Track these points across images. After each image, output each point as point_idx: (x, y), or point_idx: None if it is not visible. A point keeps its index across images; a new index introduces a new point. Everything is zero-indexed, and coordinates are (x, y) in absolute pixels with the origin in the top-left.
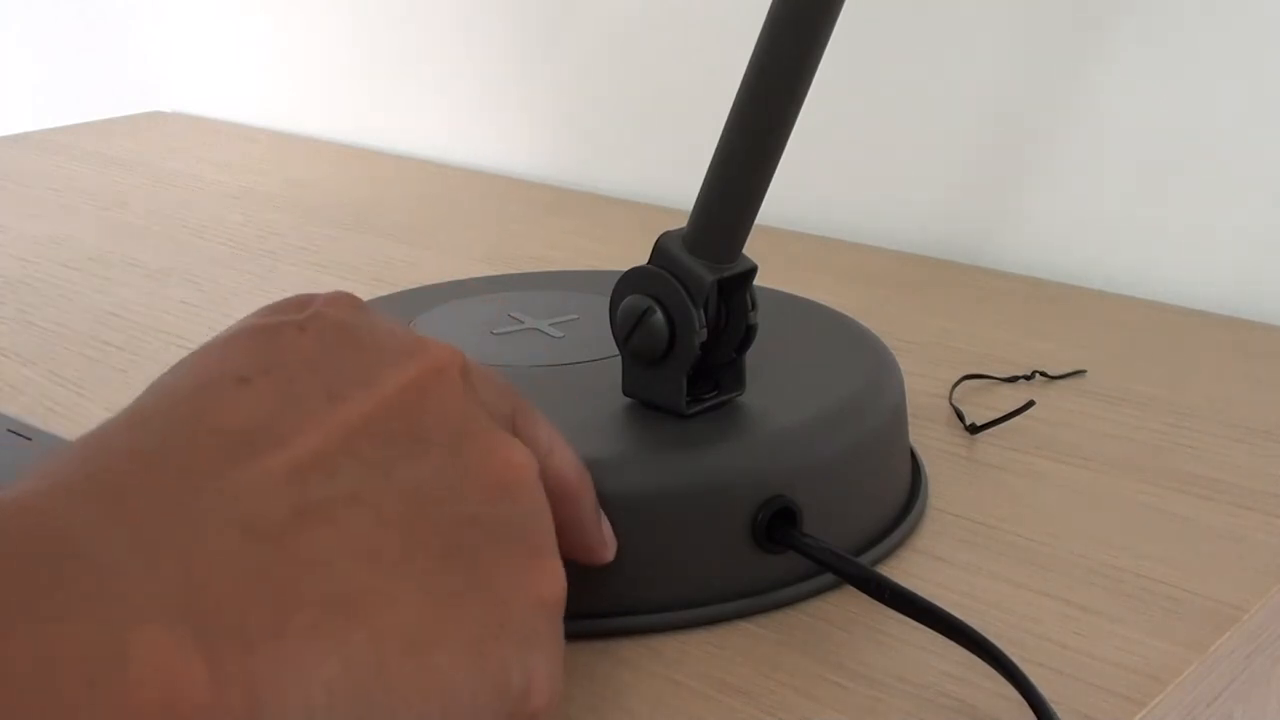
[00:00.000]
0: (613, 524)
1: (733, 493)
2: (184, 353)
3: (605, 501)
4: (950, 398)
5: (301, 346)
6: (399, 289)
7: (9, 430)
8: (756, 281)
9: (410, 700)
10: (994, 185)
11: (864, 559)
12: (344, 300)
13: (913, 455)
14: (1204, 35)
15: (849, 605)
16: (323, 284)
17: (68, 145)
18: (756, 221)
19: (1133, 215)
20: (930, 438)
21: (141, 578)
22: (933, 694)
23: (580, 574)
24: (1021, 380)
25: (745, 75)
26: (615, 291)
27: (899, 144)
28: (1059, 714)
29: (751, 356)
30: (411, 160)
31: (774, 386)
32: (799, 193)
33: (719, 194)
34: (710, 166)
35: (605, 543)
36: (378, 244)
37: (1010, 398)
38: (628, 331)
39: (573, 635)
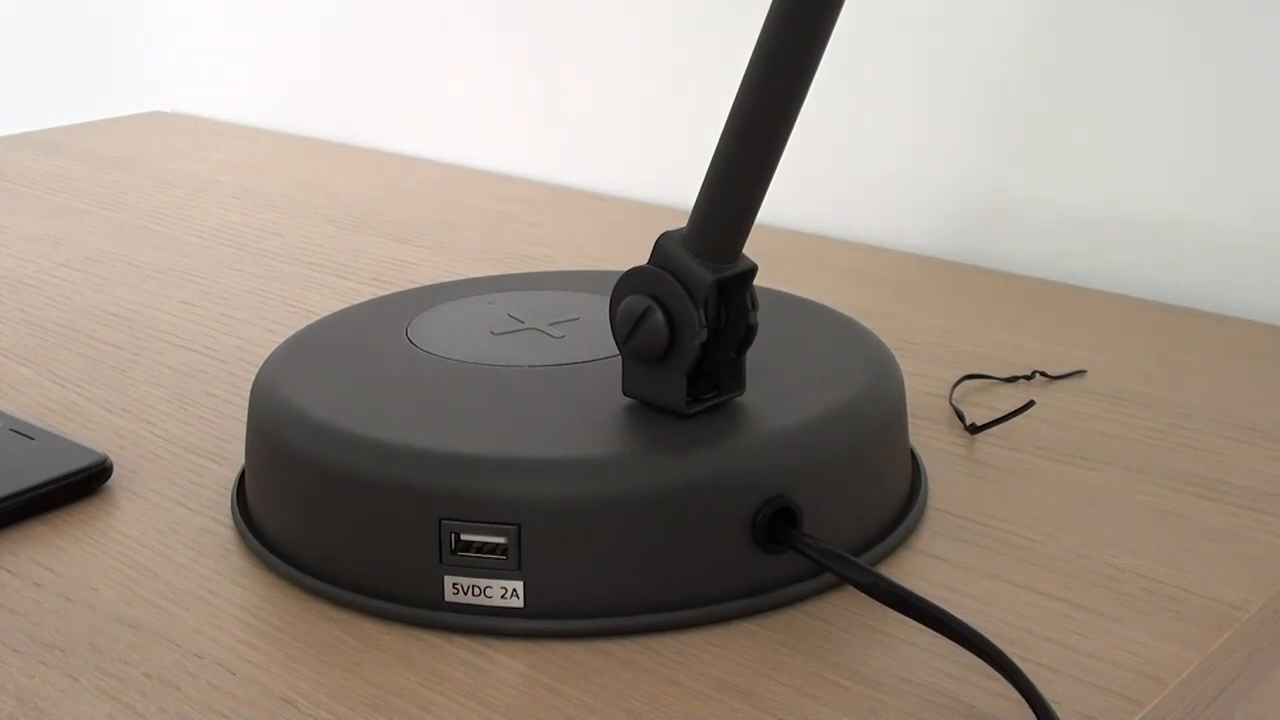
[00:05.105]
0: (613, 524)
1: (733, 493)
2: (183, 352)
3: (606, 502)
4: (950, 398)
5: None
6: (398, 289)
7: (10, 430)
8: (757, 281)
9: None
10: (994, 186)
11: (864, 559)
12: None
13: (913, 455)
14: (1204, 36)
15: (849, 605)
16: (322, 283)
17: (68, 145)
18: (757, 221)
19: (1133, 215)
20: (930, 438)
21: None
22: (933, 694)
23: (580, 574)
24: (1021, 380)
25: (745, 75)
26: (615, 291)
27: (899, 144)
28: (1059, 714)
29: (751, 356)
30: (411, 160)
31: (774, 386)
32: (799, 193)
33: (719, 194)
34: (710, 166)
35: None
36: (377, 244)
37: (1010, 398)
38: (628, 331)
39: (573, 635)
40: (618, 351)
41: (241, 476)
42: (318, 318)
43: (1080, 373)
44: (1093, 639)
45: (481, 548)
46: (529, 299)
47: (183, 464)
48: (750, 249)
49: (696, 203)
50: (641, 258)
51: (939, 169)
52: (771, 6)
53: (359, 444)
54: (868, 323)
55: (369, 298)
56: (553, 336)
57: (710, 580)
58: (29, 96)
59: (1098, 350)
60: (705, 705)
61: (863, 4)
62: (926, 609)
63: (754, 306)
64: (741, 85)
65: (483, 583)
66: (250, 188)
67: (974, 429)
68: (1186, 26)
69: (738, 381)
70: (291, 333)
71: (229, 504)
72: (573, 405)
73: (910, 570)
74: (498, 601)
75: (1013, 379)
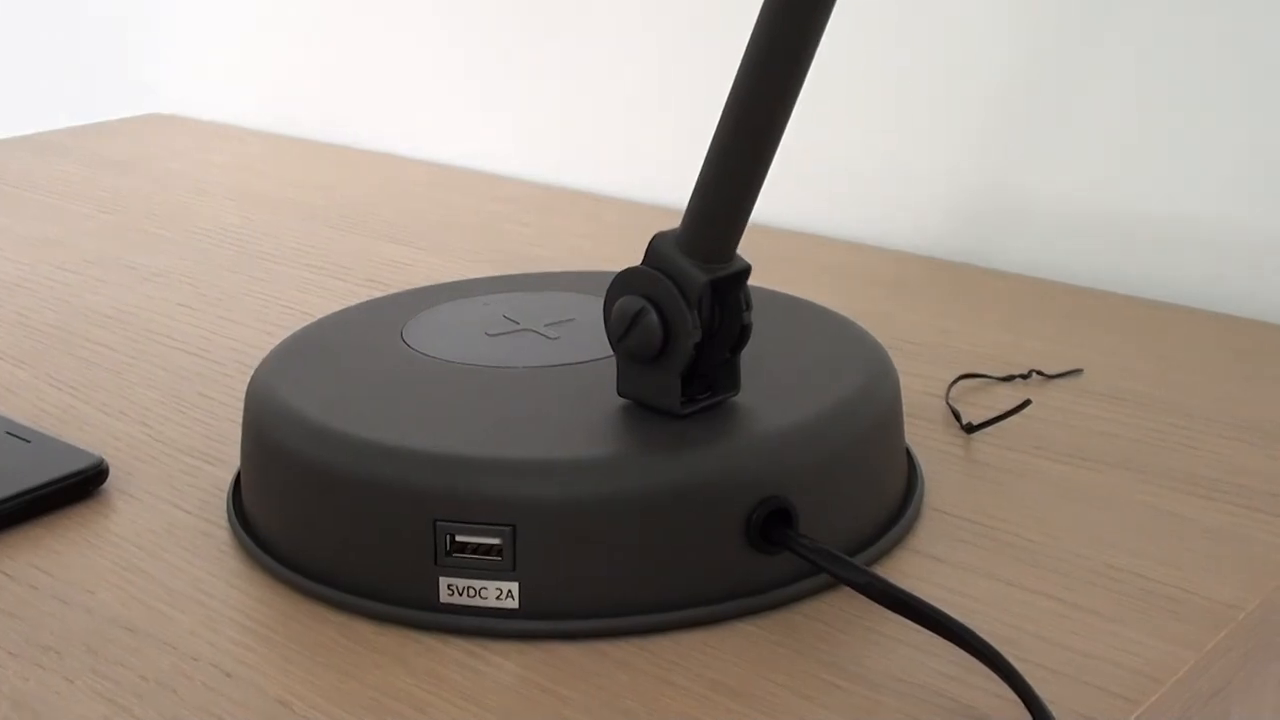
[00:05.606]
0: (608, 525)
1: (728, 493)
2: (181, 355)
3: (601, 502)
4: (946, 397)
5: None
6: (395, 290)
7: (7, 433)
8: (751, 281)
9: None
10: (991, 184)
11: (860, 559)
12: None
13: (909, 455)
14: (1205, 35)
15: (845, 606)
16: (318, 285)
17: (67, 147)
18: (752, 221)
19: (1132, 215)
20: (926, 437)
21: None
22: (929, 694)
23: (576, 574)
24: (1018, 379)
25: (738, 74)
26: (609, 292)
27: (897, 144)
28: (1056, 714)
29: (746, 357)
30: (407, 161)
31: (769, 387)
32: (794, 192)
33: (713, 194)
34: (704, 166)
35: None
36: (374, 245)
37: (1007, 397)
38: (622, 332)
39: (569, 635)
40: (612, 352)
41: (237, 478)
42: (313, 319)
43: (1077, 372)
44: (1090, 639)
45: (476, 549)
46: (524, 300)
47: (179, 466)
48: (744, 249)
49: (690, 203)
50: (636, 258)
51: (936, 168)
52: (763, 6)
53: (354, 445)
54: (863, 322)
55: (365, 299)
56: (548, 337)
57: (706, 581)
58: (29, 98)
59: (1095, 349)
60: (701, 706)
61: (857, 1)
62: (923, 609)
63: (748, 306)
64: (734, 85)
65: (478, 584)
66: (248, 189)
67: (970, 428)
68: (1187, 25)
69: (732, 382)
70: (287, 334)
71: (225, 506)
72: (567, 406)
73: (906, 570)
74: (493, 603)
75: (1009, 378)
